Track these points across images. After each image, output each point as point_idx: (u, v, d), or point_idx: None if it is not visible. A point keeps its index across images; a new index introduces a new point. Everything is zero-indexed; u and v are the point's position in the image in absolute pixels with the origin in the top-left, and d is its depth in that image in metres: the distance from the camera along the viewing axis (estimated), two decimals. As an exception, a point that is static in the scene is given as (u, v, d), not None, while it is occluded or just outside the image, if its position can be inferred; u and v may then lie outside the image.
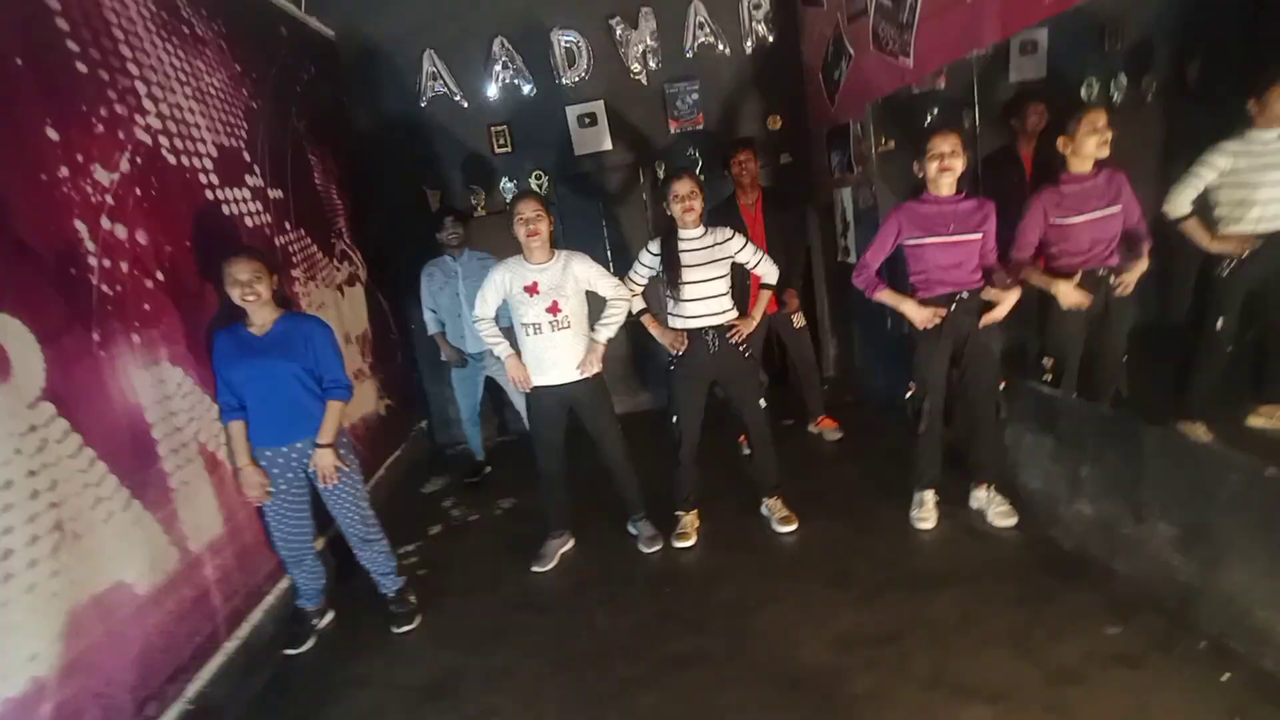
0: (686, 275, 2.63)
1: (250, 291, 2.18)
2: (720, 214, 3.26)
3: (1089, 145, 2.24)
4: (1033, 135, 2.91)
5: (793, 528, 2.82)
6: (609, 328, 2.67)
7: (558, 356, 2.62)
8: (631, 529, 2.96)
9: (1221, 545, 1.82)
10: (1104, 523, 2.24)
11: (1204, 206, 2.30)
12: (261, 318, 2.26)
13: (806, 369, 3.70)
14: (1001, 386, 2.57)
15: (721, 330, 2.68)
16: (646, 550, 2.84)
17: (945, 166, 2.32)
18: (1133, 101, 3.49)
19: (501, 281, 2.62)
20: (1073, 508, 2.38)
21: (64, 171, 1.83)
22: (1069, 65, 3.57)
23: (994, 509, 2.61)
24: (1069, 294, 2.35)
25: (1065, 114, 2.33)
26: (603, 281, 2.68)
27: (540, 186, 4.33)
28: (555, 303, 2.58)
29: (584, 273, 2.64)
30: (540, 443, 2.78)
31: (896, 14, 3.02)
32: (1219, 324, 2.40)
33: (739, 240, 2.69)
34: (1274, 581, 1.68)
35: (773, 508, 2.90)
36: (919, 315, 2.45)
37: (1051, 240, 2.39)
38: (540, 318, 2.59)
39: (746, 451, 3.38)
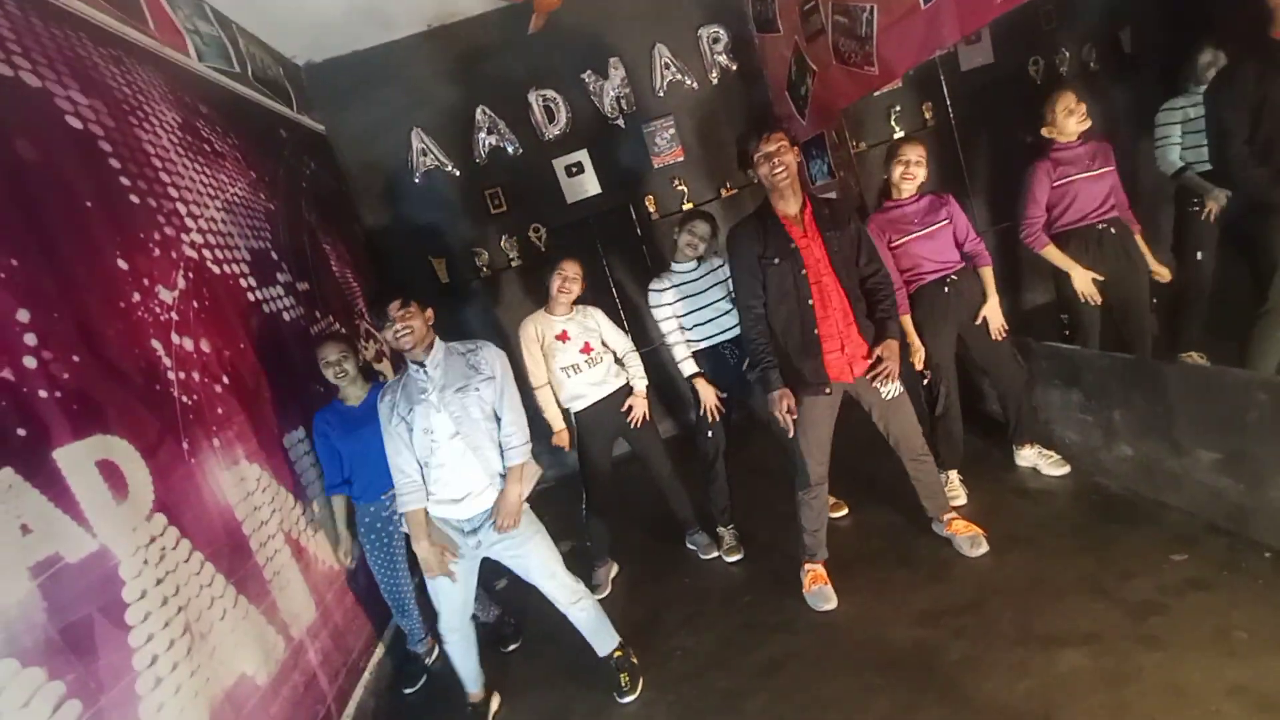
0: (695, 303, 2.79)
1: (340, 369, 2.47)
2: (748, 234, 2.26)
3: (1070, 124, 2.51)
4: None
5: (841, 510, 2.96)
6: (640, 377, 2.89)
7: (599, 379, 2.82)
8: (690, 544, 3.08)
9: (1263, 461, 1.94)
10: (1146, 462, 2.36)
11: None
12: (354, 392, 2.51)
13: (919, 466, 2.52)
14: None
15: (737, 342, 2.80)
16: (706, 557, 2.98)
17: (909, 175, 2.56)
18: (1078, 72, 3.77)
19: (534, 335, 2.79)
20: (1113, 452, 2.51)
21: (136, 296, 1.96)
22: (1013, 47, 3.85)
23: (1045, 462, 2.74)
24: (1084, 280, 2.56)
25: (1038, 92, 2.57)
26: (616, 336, 2.91)
27: (539, 239, 4.50)
28: (586, 344, 2.80)
29: (602, 323, 2.88)
30: (593, 475, 2.91)
31: (854, 29, 3.25)
32: (1198, 257, 2.61)
33: (725, 272, 2.77)
34: (1318, 485, 1.81)
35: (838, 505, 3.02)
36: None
37: (1061, 202, 2.59)
38: (576, 359, 2.79)
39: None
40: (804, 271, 2.19)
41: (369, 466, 2.45)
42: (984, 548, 2.41)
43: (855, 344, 2.25)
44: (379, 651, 2.67)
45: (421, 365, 2.07)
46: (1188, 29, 2.79)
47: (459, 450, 2.05)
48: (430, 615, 2.65)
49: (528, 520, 2.18)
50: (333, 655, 2.35)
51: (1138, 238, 2.63)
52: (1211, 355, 2.58)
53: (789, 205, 2.23)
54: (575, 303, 2.86)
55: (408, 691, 2.64)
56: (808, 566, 2.52)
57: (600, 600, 2.90)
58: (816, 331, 2.21)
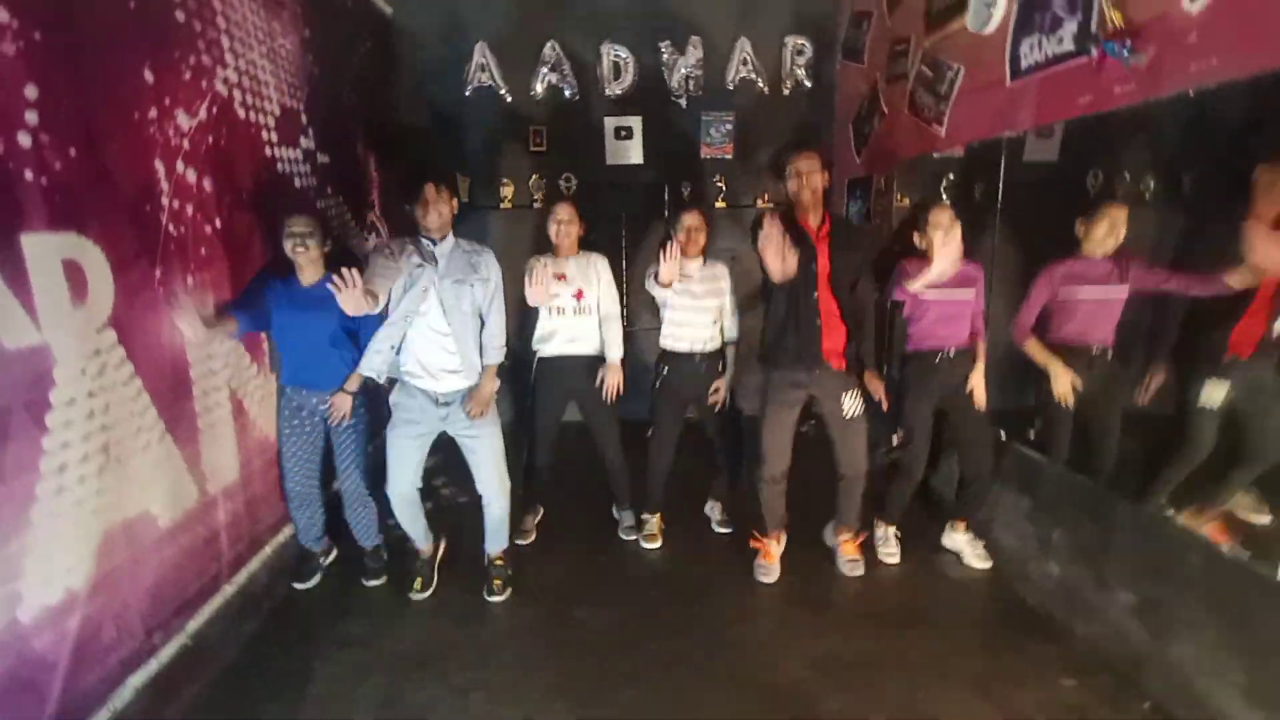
0: (682, 301, 2.77)
1: (302, 244, 2.32)
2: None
3: (1098, 233, 2.48)
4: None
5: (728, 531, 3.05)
6: (617, 345, 2.86)
7: (575, 334, 2.82)
8: (615, 515, 3.16)
9: (1173, 617, 1.98)
10: (1069, 585, 2.41)
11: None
12: (310, 275, 2.38)
13: (851, 475, 2.67)
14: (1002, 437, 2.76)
15: (709, 356, 2.83)
16: (625, 537, 3.05)
17: (945, 241, 2.46)
18: (1132, 197, 3.77)
19: (537, 277, 2.72)
20: (1041, 567, 2.55)
21: (153, 113, 1.90)
22: (1080, 153, 3.84)
23: (973, 550, 2.78)
24: (1063, 380, 2.54)
25: (1090, 202, 2.54)
26: (609, 295, 2.87)
27: (568, 190, 4.45)
28: (581, 290, 2.79)
29: (603, 276, 2.85)
30: (540, 429, 2.94)
31: (936, 84, 3.22)
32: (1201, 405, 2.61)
33: (729, 283, 2.84)
34: (1216, 655, 1.85)
35: (715, 508, 3.16)
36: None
37: (1060, 314, 2.58)
38: (566, 302, 2.79)
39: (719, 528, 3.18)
40: (815, 267, 2.42)
41: (303, 353, 2.41)
42: (860, 571, 2.72)
43: (834, 343, 2.51)
44: (288, 531, 2.66)
45: (434, 243, 2.33)
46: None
47: (442, 334, 2.32)
48: (334, 520, 2.71)
49: (492, 414, 2.49)
50: (242, 521, 2.34)
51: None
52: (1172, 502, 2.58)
53: (811, 219, 2.47)
54: (583, 249, 2.86)
55: (298, 586, 2.61)
56: (759, 543, 2.80)
57: (522, 547, 2.97)
58: (818, 322, 2.46)
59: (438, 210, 2.28)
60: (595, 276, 2.82)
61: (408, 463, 2.43)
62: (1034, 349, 2.61)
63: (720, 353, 2.90)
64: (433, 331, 2.32)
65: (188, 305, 2.00)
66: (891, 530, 2.86)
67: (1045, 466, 2.61)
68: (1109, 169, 3.75)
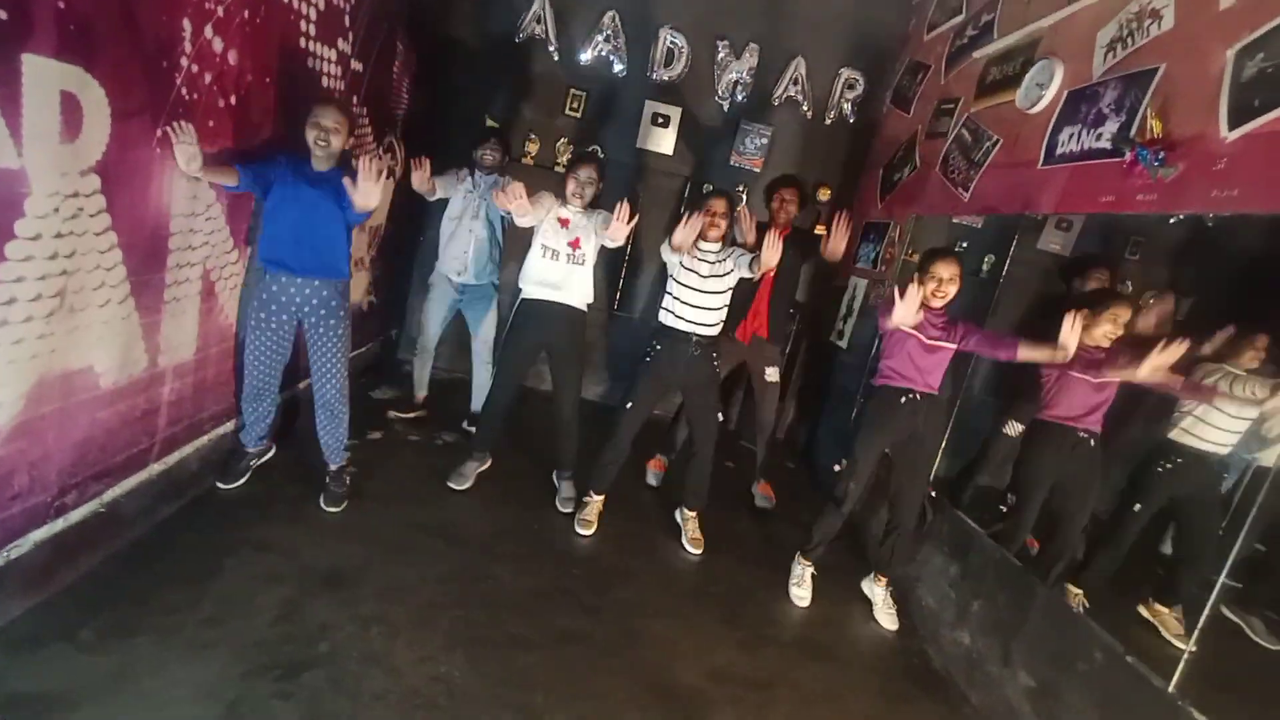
0: (690, 280, 2.78)
1: (325, 138, 2.27)
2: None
3: (1100, 331, 2.51)
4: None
5: (698, 551, 3.00)
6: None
7: (560, 282, 2.82)
8: (555, 481, 3.16)
9: (1066, 707, 2.04)
10: (975, 655, 2.46)
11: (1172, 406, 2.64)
12: (324, 164, 2.34)
13: (763, 427, 3.58)
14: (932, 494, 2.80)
15: (704, 341, 2.83)
16: (562, 509, 3.04)
17: (940, 293, 2.52)
18: (1129, 308, 3.85)
19: (545, 211, 2.80)
20: (952, 633, 2.60)
21: (192, -33, 1.84)
22: (1090, 249, 3.90)
23: (884, 608, 2.81)
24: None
25: (1099, 294, 2.59)
26: (602, 223, 2.80)
27: (593, 161, 4.41)
28: (578, 239, 2.80)
29: (601, 225, 2.79)
30: (504, 365, 2.95)
31: (972, 150, 3.25)
32: (1137, 508, 2.69)
33: (742, 259, 2.76)
34: (1095, 752, 1.91)
35: (688, 523, 3.07)
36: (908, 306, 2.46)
37: (1051, 390, 2.60)
38: (560, 246, 2.80)
39: (652, 481, 3.59)
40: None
41: (296, 232, 2.30)
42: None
43: (764, 324, 3.35)
44: (229, 426, 2.61)
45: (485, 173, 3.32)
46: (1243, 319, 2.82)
47: (469, 239, 3.31)
48: (276, 424, 2.66)
49: (493, 302, 3.46)
50: (185, 403, 2.29)
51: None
52: (1092, 597, 2.66)
53: (776, 231, 3.14)
54: (592, 206, 2.86)
55: (222, 486, 2.53)
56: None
57: (454, 490, 2.97)
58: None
59: (494, 154, 3.35)
60: (596, 228, 2.81)
61: (437, 320, 3.49)
62: (1029, 351, 2.44)
63: (716, 342, 2.87)
64: (463, 236, 3.34)
65: (190, 135, 1.91)
66: (809, 570, 2.85)
67: (977, 536, 2.66)
68: (1117, 276, 3.84)
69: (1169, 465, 2.61)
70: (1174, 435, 2.61)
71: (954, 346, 2.60)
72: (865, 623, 2.79)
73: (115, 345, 1.88)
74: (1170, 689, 1.75)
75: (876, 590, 2.86)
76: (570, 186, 2.80)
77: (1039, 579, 2.34)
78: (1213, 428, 2.53)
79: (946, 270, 2.52)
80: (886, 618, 2.78)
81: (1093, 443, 2.58)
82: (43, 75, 1.44)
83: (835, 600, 2.87)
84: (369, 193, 2.23)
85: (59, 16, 1.45)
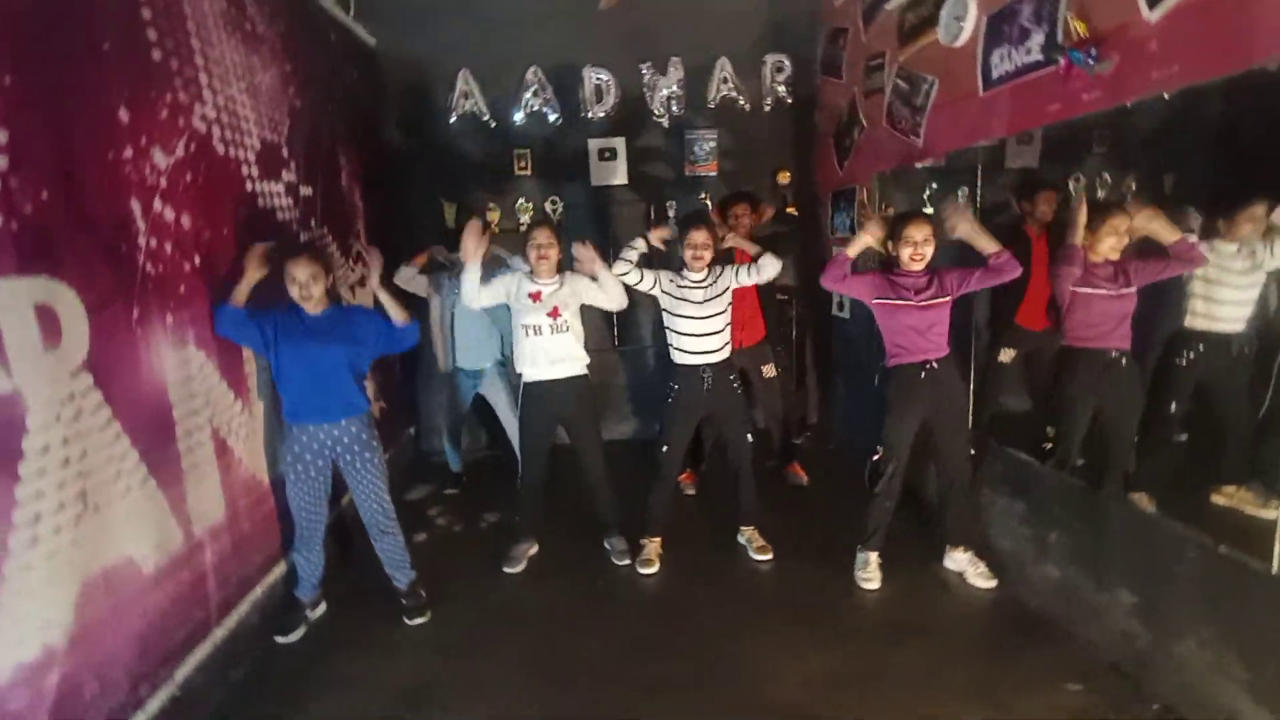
0: (687, 310, 2.79)
1: (307, 291, 2.32)
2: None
3: (1105, 245, 2.48)
4: (1042, 220, 3.15)
5: (768, 557, 2.96)
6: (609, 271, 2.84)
7: (556, 355, 2.82)
8: (605, 544, 3.10)
9: (1175, 616, 1.97)
10: (1068, 587, 2.39)
11: (1181, 297, 2.60)
12: (315, 308, 2.39)
13: (774, 415, 3.74)
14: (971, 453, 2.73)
15: (716, 368, 2.82)
16: (619, 563, 2.99)
17: (917, 255, 2.51)
18: (1114, 200, 3.81)
19: (508, 284, 2.82)
20: (1039, 569, 2.53)
21: (129, 152, 1.90)
22: (1059, 157, 3.88)
23: (974, 570, 2.71)
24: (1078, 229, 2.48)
25: (1094, 209, 2.52)
26: (587, 285, 2.85)
27: (554, 212, 4.46)
28: (556, 308, 2.79)
29: (581, 286, 2.85)
30: (527, 449, 2.94)
31: (911, 97, 3.26)
32: (1173, 407, 2.64)
33: (729, 270, 2.83)
34: (1219, 653, 1.83)
35: (750, 537, 3.04)
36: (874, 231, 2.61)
37: (1075, 311, 2.55)
38: (541, 320, 2.79)
39: (690, 492, 3.66)
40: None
41: (311, 383, 2.36)
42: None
43: (754, 330, 3.45)
44: (279, 571, 2.61)
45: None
46: (1236, 185, 2.78)
47: (468, 327, 3.53)
48: (331, 564, 2.65)
49: (507, 379, 3.53)
50: (229, 562, 2.29)
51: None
52: (1160, 500, 2.59)
53: (740, 243, 3.20)
54: (562, 270, 2.86)
55: (281, 640, 2.47)
56: (649, 541, 2.99)
57: (509, 574, 2.95)
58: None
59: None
60: (571, 294, 2.82)
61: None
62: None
63: (729, 364, 2.88)
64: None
65: None
66: (873, 556, 2.78)
67: (1035, 469, 2.60)
68: (1090, 173, 3.82)
69: (1190, 354, 2.56)
70: (1188, 323, 2.57)
71: (949, 298, 2.57)
72: (945, 589, 2.71)
73: (147, 529, 1.89)
74: (1274, 569, 1.69)
75: (959, 557, 2.77)
76: (532, 256, 2.79)
77: (1107, 495, 2.28)
78: (1223, 304, 2.50)
79: (919, 232, 2.51)
80: (981, 578, 2.69)
81: (1124, 361, 2.52)
82: (12, 295, 1.48)
83: (907, 575, 2.79)
84: (396, 308, 2.51)
85: (14, 236, 1.49)
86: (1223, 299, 2.52)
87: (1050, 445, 2.73)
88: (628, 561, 2.98)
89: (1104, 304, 2.51)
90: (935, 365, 2.60)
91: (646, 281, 2.84)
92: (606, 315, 4.58)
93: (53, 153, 1.62)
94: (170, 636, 1.96)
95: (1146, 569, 2.08)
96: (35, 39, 1.59)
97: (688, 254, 2.78)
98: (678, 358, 2.86)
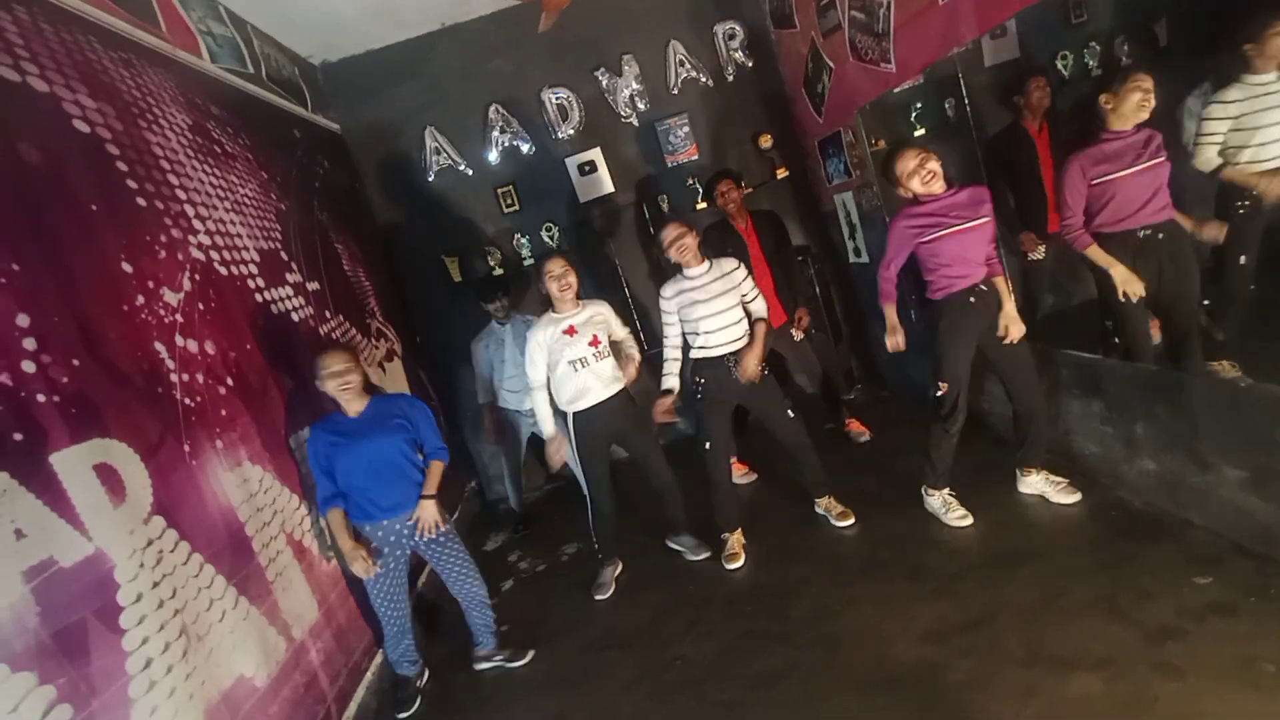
0: (701, 310, 2.76)
1: (345, 381, 2.35)
2: (716, 231, 3.51)
3: (1131, 102, 2.26)
4: (1038, 110, 3.00)
5: (850, 522, 2.90)
6: (636, 349, 3.05)
7: (607, 377, 2.85)
8: (673, 544, 3.12)
9: (1292, 481, 1.85)
10: (1170, 477, 2.27)
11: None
12: (356, 405, 2.41)
13: (814, 373, 3.74)
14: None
15: (739, 354, 2.79)
16: (694, 558, 3.01)
17: (930, 176, 2.41)
18: (1110, 67, 3.61)
19: (543, 340, 2.79)
20: (1135, 466, 2.41)
21: (140, 299, 1.97)
22: (1040, 41, 3.70)
23: (1053, 489, 2.59)
24: (1129, 280, 2.33)
25: (1109, 75, 2.38)
26: (618, 325, 2.97)
27: (551, 238, 4.48)
28: (595, 336, 2.81)
29: (606, 314, 2.91)
30: (592, 475, 2.94)
31: (871, 25, 3.16)
32: (1241, 260, 2.44)
33: (743, 272, 2.84)
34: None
35: (828, 507, 2.98)
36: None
37: (1099, 201, 2.38)
38: (585, 352, 2.79)
39: (743, 480, 3.65)
40: (749, 253, 3.40)
41: (373, 482, 2.37)
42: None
43: (774, 306, 3.34)
44: (381, 653, 2.68)
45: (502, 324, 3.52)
46: (1234, 17, 2.60)
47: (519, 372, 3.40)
48: (427, 635, 2.71)
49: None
50: (335, 655, 2.37)
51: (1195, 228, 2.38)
52: (1246, 363, 2.43)
53: (739, 222, 3.48)
54: (579, 297, 2.88)
55: (401, 716, 2.51)
56: (728, 536, 2.97)
57: (600, 601, 2.96)
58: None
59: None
60: (603, 320, 2.88)
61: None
62: (1095, 254, 2.38)
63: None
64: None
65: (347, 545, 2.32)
66: (944, 494, 2.71)
67: (1103, 364, 2.48)
68: (1076, 46, 3.63)
69: (1248, 201, 2.38)
70: (1228, 174, 2.37)
71: (987, 218, 2.46)
72: (1039, 506, 2.61)
73: (251, 645, 1.96)
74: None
75: (1033, 480, 2.65)
76: (554, 290, 2.77)
77: (1187, 372, 2.15)
78: (1269, 144, 2.25)
79: (913, 159, 2.41)
80: (1064, 494, 2.57)
81: (1160, 235, 2.33)
82: (73, 463, 1.55)
83: (991, 505, 2.69)
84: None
85: (59, 408, 1.56)
86: (1261, 139, 2.26)
87: (1116, 338, 2.55)
88: (705, 555, 2.99)
89: (1135, 181, 2.31)
90: (985, 289, 2.50)
91: (674, 329, 2.87)
92: (628, 321, 4.58)
93: (73, 320, 1.70)
94: (298, 741, 2.03)
95: (1248, 439, 1.95)
96: (30, 219, 1.67)
97: (671, 253, 2.77)
98: (698, 353, 2.84)
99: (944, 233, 2.46)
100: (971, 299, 2.49)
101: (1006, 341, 2.51)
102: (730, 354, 2.78)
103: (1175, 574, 2.03)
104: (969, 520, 2.64)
